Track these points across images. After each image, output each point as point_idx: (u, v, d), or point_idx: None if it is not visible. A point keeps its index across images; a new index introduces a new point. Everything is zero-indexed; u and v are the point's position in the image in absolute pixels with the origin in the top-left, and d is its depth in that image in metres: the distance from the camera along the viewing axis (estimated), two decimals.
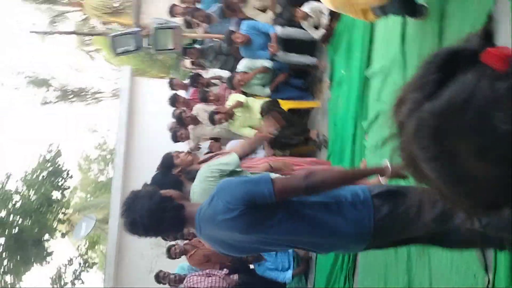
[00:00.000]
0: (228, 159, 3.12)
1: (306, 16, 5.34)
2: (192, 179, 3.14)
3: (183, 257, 5.85)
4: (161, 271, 5.70)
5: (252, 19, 5.94)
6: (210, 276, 5.29)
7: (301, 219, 1.81)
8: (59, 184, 11.82)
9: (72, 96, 18.68)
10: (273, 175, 2.30)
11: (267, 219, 1.79)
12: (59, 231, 12.75)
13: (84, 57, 18.80)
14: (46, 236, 11.93)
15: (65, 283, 13.04)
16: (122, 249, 9.02)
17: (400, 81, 3.48)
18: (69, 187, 13.43)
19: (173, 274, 5.68)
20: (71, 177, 13.18)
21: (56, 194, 11.94)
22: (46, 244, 12.12)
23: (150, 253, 8.47)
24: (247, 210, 1.74)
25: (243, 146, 3.50)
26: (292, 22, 5.49)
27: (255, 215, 1.77)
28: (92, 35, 15.24)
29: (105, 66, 18.41)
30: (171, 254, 5.77)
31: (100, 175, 22.32)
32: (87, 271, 13.23)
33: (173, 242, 6.05)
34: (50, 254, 12.13)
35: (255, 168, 3.75)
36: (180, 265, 6.36)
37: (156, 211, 1.89)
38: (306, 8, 5.32)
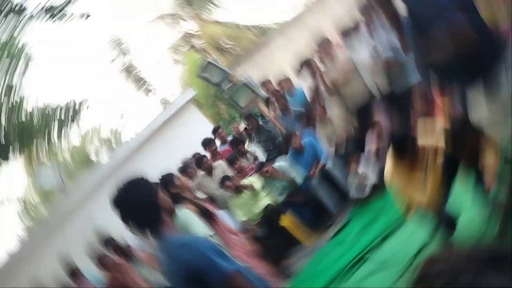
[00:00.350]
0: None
1: (355, 171, 5.56)
2: (177, 203, 3.22)
3: None
4: None
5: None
6: None
7: None
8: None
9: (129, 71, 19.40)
10: None
11: None
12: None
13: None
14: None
15: None
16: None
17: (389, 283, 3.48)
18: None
19: None
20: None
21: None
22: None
23: None
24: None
25: None
26: (344, 165, 5.71)
27: None
28: (195, 49, 16.18)
29: (174, 76, 19.17)
30: None
31: (93, 153, 22.56)
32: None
33: None
34: None
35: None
36: None
37: (146, 205, 2.02)
38: (361, 164, 5.56)
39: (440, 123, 4.32)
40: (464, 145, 3.24)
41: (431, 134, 3.57)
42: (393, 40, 5.13)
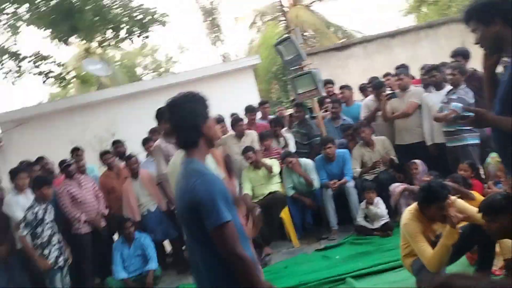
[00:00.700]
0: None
1: (370, 202, 5.55)
2: None
3: None
4: None
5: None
6: None
7: None
8: None
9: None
10: None
11: None
12: None
13: None
14: None
15: None
16: None
17: None
18: None
19: None
20: None
21: None
22: None
23: None
24: None
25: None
26: (364, 191, 5.69)
27: None
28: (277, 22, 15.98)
29: (244, 38, 19.09)
30: None
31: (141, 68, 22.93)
32: None
33: None
34: None
35: None
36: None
37: (193, 122, 2.07)
38: (378, 198, 5.56)
39: (476, 197, 4.26)
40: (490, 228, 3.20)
41: (463, 205, 3.54)
42: (471, 99, 5.04)
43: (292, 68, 6.68)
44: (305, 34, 16.84)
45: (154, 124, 7.16)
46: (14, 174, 5.26)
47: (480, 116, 2.33)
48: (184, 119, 2.07)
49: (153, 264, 5.60)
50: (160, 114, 4.60)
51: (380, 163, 5.91)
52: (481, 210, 3.10)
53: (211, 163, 3.34)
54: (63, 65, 9.08)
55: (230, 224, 1.91)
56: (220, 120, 6.57)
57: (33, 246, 4.52)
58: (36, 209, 4.50)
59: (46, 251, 4.49)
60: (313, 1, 17.91)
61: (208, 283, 2.04)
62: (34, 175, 5.74)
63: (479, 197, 4.34)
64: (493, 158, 5.09)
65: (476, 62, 5.70)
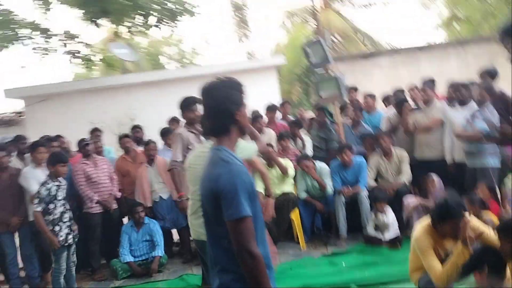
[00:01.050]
0: None
1: (380, 213, 5.51)
2: None
3: None
4: None
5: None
6: None
7: None
8: None
9: None
10: None
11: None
12: None
13: None
14: None
15: None
16: None
17: None
18: None
19: None
20: None
21: None
22: None
23: None
24: None
25: None
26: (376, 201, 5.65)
27: None
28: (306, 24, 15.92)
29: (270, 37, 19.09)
30: None
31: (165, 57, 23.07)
32: None
33: None
34: None
35: None
36: None
37: (225, 108, 2.00)
38: (387, 209, 5.52)
39: (491, 217, 4.20)
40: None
41: (478, 225, 3.50)
42: (495, 120, 4.96)
43: (318, 71, 6.66)
44: (333, 38, 16.78)
45: (173, 113, 7.25)
46: (34, 147, 5.34)
47: (506, 132, 2.30)
48: (218, 104, 1.99)
49: (160, 251, 5.64)
50: (184, 103, 4.63)
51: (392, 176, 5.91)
52: (498, 229, 3.06)
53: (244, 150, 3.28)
54: (90, 46, 9.18)
55: (248, 220, 1.84)
56: (257, 116, 6.53)
57: (45, 222, 4.58)
58: (50, 185, 4.55)
59: (56, 228, 4.55)
60: (344, 6, 17.82)
61: (220, 278, 1.97)
62: (52, 152, 5.85)
63: (495, 219, 4.28)
64: (510, 178, 5.00)
65: (503, 83, 5.66)
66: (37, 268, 5.50)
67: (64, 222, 4.62)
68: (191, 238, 5.94)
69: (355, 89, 7.48)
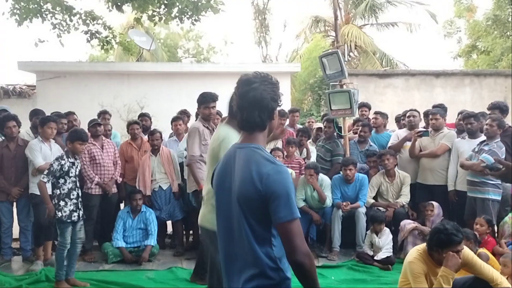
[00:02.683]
0: None
1: (377, 232, 5.51)
2: None
3: None
4: None
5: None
6: None
7: None
8: None
9: None
10: None
11: None
12: None
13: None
14: None
15: None
16: None
17: None
18: None
19: None
20: None
21: None
22: None
23: None
24: None
25: None
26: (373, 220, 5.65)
27: None
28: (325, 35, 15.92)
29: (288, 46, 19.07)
30: None
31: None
32: None
33: None
34: None
35: None
36: None
37: (263, 106, 1.93)
38: (386, 231, 5.51)
39: (486, 252, 4.19)
40: None
41: (472, 256, 3.50)
42: (502, 154, 4.97)
43: (332, 83, 6.67)
44: (350, 54, 16.80)
45: (183, 106, 7.31)
46: (44, 122, 5.38)
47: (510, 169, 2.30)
48: (261, 98, 1.92)
49: (152, 241, 5.66)
50: (201, 99, 4.67)
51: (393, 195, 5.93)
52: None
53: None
54: (110, 29, 9.22)
55: (298, 221, 1.80)
56: (283, 113, 6.52)
57: (52, 194, 4.60)
58: (64, 162, 4.57)
59: (62, 203, 4.56)
60: (366, 24, 17.84)
61: (255, 281, 1.87)
62: (66, 127, 5.94)
63: (490, 255, 4.27)
64: (511, 218, 5.00)
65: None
66: (30, 241, 5.54)
67: (71, 199, 4.63)
68: (191, 232, 5.98)
69: (368, 107, 7.47)
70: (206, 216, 3.02)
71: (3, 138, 5.51)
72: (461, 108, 7.09)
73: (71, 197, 4.64)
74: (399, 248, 5.56)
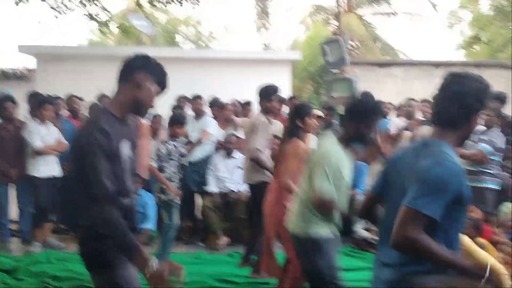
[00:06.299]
0: None
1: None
2: None
3: None
4: None
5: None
6: None
7: None
8: None
9: None
10: None
11: None
12: None
13: None
14: None
15: None
16: None
17: None
18: None
19: None
20: None
21: None
22: None
23: None
24: None
25: None
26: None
27: None
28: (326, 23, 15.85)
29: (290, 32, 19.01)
30: None
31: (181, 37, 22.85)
32: None
33: None
34: None
35: None
36: None
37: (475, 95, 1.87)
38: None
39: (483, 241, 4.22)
40: None
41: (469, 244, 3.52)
42: (502, 144, 4.99)
43: (333, 71, 6.67)
44: (351, 43, 16.73)
45: (182, 91, 7.27)
46: (41, 104, 5.37)
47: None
48: (466, 95, 1.85)
49: (150, 224, 5.67)
50: (263, 92, 4.63)
51: None
52: None
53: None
54: (110, 12, 9.17)
55: (421, 216, 1.71)
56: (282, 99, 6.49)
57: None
58: (170, 146, 4.68)
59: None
60: (368, 13, 17.75)
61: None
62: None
63: (487, 244, 4.30)
64: (508, 208, 5.02)
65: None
66: (28, 223, 5.56)
67: (172, 181, 4.71)
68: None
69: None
70: (297, 222, 3.05)
71: (1, 120, 5.50)
72: None
73: (173, 179, 4.72)
74: None
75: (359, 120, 2.89)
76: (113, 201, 1.98)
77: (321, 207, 2.91)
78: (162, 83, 2.18)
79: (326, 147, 2.98)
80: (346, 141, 2.96)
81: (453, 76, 1.91)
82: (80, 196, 1.98)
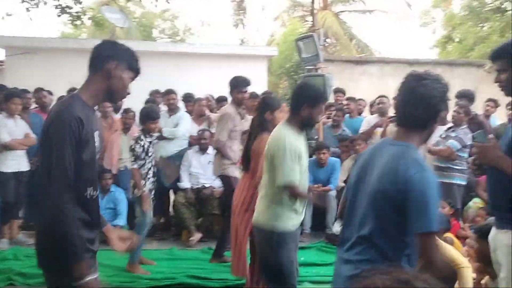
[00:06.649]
0: None
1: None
2: None
3: None
4: None
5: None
6: None
7: None
8: None
9: None
10: None
11: None
12: None
13: None
14: None
15: None
16: None
17: None
18: None
19: None
20: None
21: None
22: None
23: None
24: None
25: None
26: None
27: None
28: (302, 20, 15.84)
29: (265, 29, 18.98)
30: None
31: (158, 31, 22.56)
32: None
33: None
34: None
35: None
36: None
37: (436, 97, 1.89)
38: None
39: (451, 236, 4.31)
40: None
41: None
42: (468, 141, 5.11)
43: (307, 67, 6.68)
44: (327, 40, 16.81)
45: (156, 85, 7.18)
46: (8, 97, 5.22)
47: (485, 150, 2.32)
48: (430, 96, 1.86)
49: (121, 221, 5.59)
50: (234, 83, 4.57)
51: None
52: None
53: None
54: (81, 3, 8.96)
55: (434, 235, 1.78)
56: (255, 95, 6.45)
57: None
58: (143, 142, 4.60)
59: (142, 182, 4.64)
60: (343, 11, 17.88)
61: None
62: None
63: (455, 239, 4.40)
64: (475, 203, 5.15)
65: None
66: None
67: (149, 179, 4.66)
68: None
69: (342, 92, 7.53)
70: (263, 215, 3.03)
71: None
72: None
73: (149, 176, 4.64)
74: None
75: (308, 105, 2.94)
76: (73, 191, 1.93)
77: (290, 193, 2.91)
78: (134, 68, 2.14)
79: (280, 135, 3.00)
80: (299, 126, 3.00)
81: (416, 78, 1.92)
82: (42, 189, 1.92)
